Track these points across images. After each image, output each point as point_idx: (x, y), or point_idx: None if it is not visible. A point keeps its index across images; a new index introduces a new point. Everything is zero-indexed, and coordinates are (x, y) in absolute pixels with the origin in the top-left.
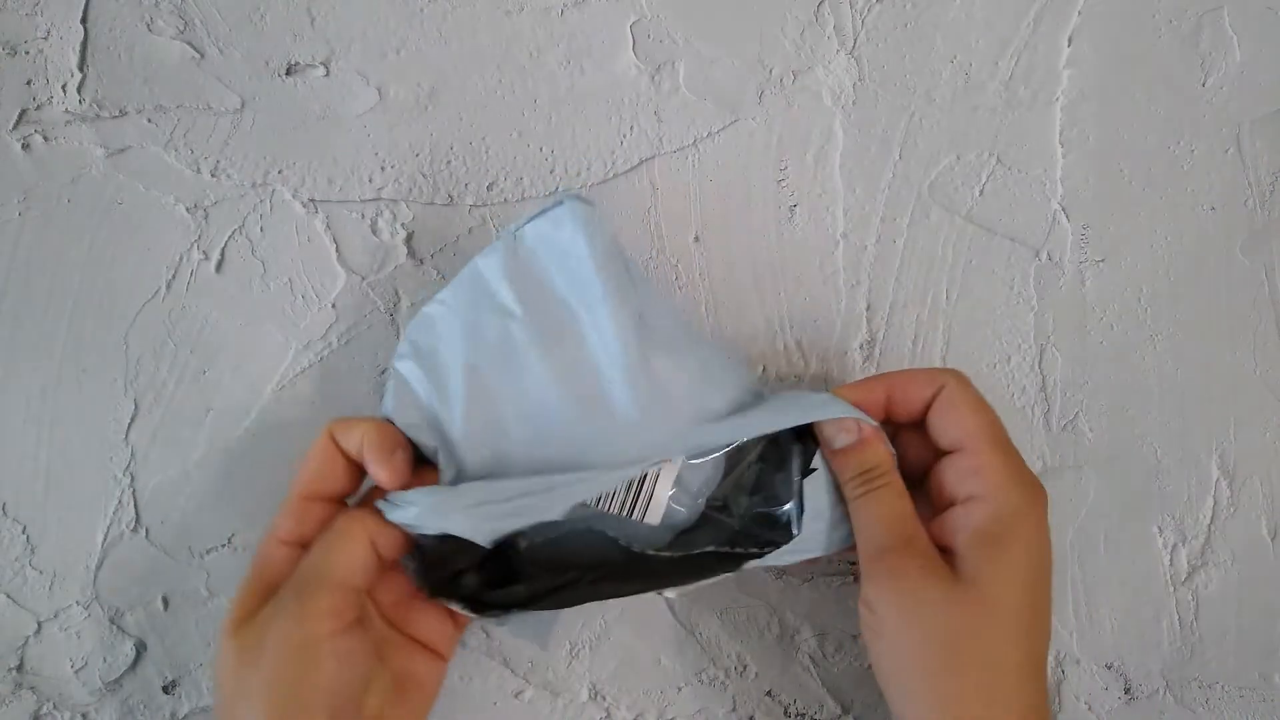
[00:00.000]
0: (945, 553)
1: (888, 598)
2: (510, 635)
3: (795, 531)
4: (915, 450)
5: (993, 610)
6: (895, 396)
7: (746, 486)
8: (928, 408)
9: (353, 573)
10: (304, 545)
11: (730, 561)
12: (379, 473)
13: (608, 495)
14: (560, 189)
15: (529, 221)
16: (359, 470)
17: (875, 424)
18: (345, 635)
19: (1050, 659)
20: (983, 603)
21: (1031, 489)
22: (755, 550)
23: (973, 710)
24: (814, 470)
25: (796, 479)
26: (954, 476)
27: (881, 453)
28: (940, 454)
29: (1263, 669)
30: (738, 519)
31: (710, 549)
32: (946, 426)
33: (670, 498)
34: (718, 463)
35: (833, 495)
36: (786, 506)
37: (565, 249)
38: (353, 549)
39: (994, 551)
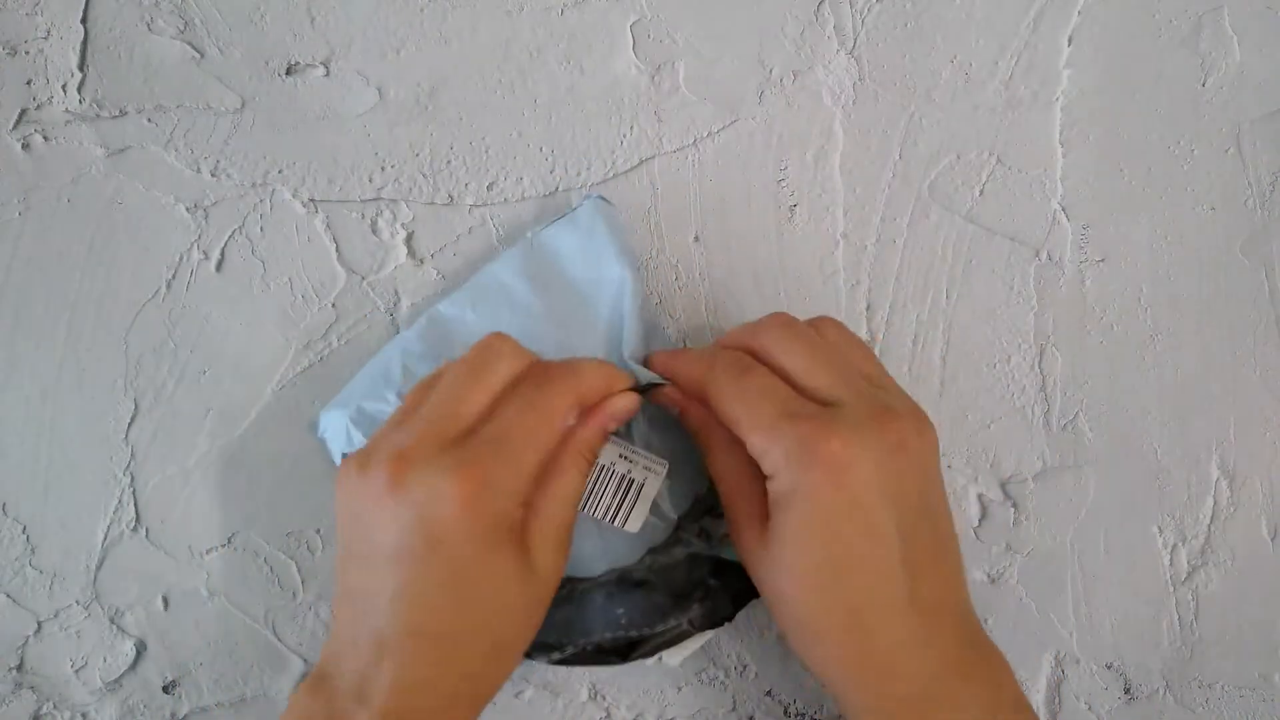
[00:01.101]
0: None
1: (739, 553)
2: None
3: None
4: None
5: (784, 568)
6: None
7: (717, 507)
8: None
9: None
10: None
11: (698, 568)
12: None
13: (595, 495)
14: (561, 189)
15: (547, 227)
16: None
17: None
18: None
19: (1050, 659)
20: (778, 561)
21: (798, 464)
22: (725, 558)
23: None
24: None
25: None
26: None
27: (696, 413)
28: None
29: (1263, 669)
30: (708, 541)
31: (681, 557)
32: (721, 417)
33: (650, 509)
34: (693, 483)
35: None
36: None
37: (585, 239)
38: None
39: (783, 516)
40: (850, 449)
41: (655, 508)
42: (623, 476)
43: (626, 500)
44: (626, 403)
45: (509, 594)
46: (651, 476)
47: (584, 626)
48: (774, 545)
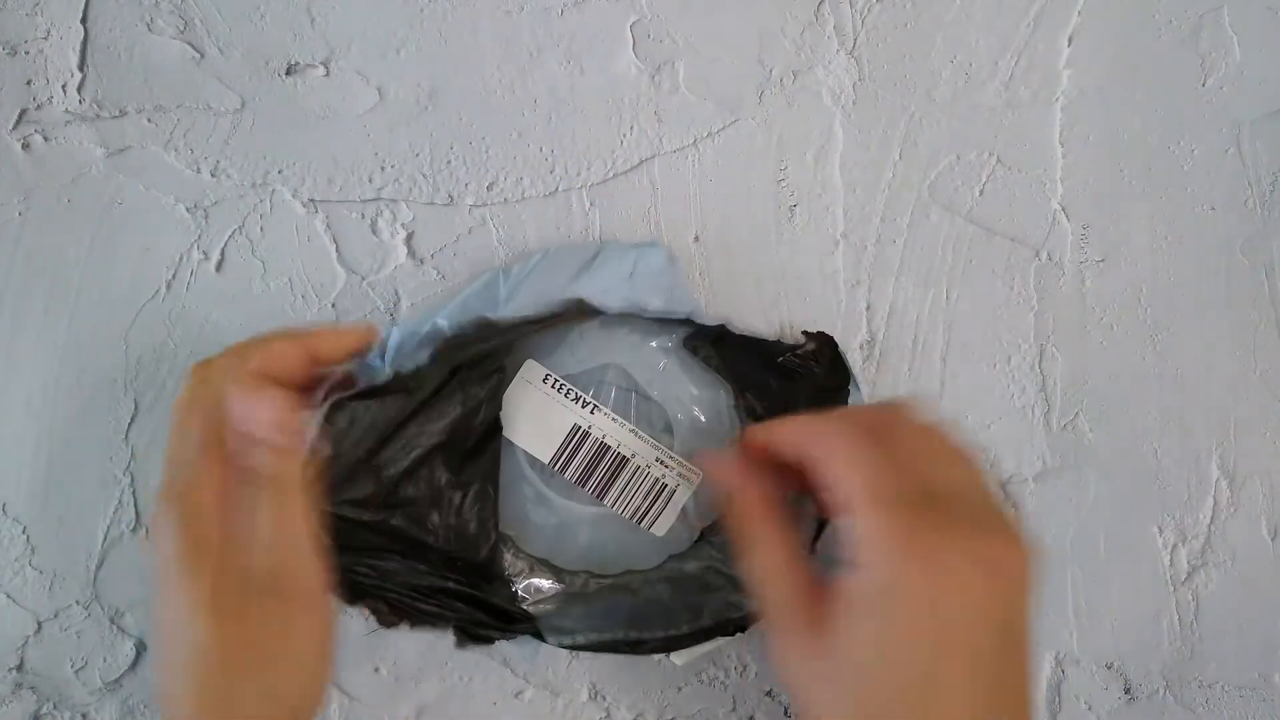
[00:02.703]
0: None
1: (776, 662)
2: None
3: None
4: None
5: (849, 684)
6: (778, 453)
7: None
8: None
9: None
10: None
11: (713, 590)
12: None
13: (626, 495)
14: (561, 189)
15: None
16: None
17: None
18: None
19: (1050, 659)
20: (841, 677)
21: (903, 560)
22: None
23: None
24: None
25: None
26: (843, 531)
27: (750, 496)
28: None
29: (1263, 669)
30: (725, 555)
31: (694, 571)
32: (826, 484)
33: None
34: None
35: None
36: None
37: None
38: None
39: (865, 622)
40: (969, 559)
41: (683, 515)
42: (656, 480)
43: (656, 504)
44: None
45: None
46: (684, 484)
47: (594, 623)
48: (839, 657)
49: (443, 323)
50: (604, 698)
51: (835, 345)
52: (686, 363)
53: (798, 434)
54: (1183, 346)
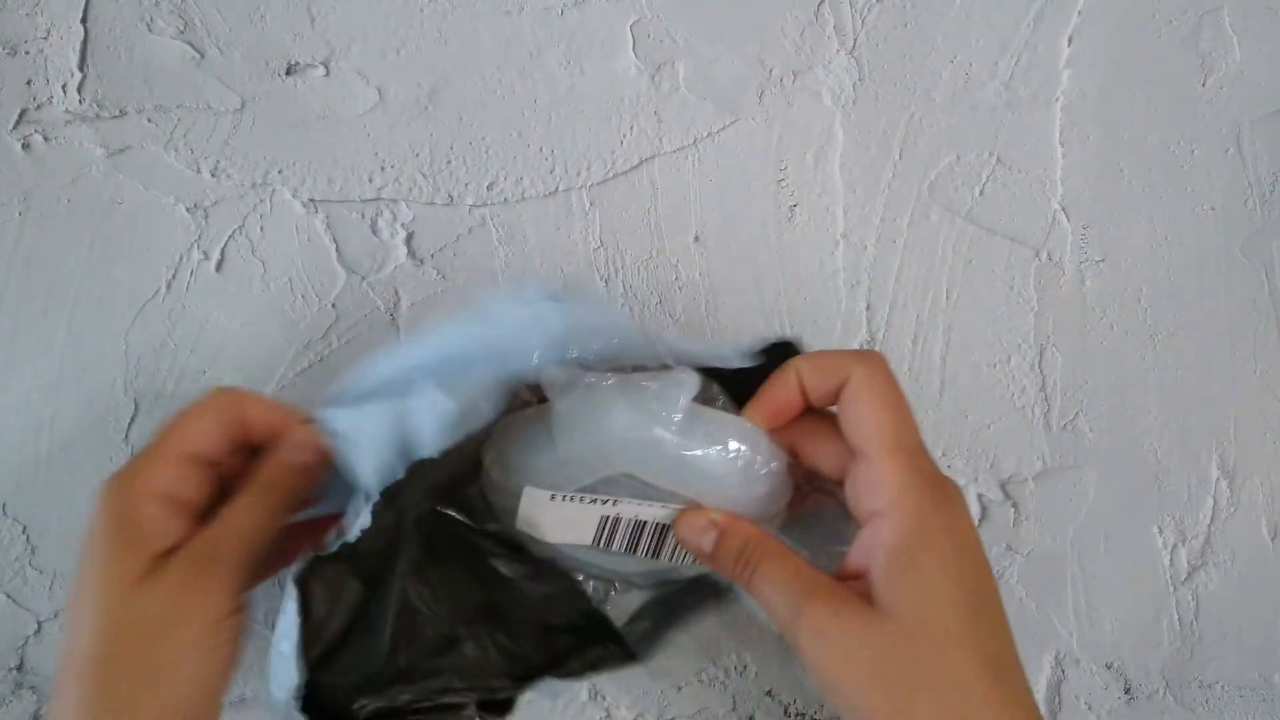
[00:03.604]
0: (864, 578)
1: (817, 658)
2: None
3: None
4: (834, 447)
5: (919, 634)
6: (807, 386)
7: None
8: (837, 393)
9: None
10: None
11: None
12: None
13: (680, 552)
14: (561, 189)
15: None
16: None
17: (721, 513)
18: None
19: (1050, 659)
20: (906, 630)
21: (936, 491)
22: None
23: None
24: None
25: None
26: (861, 487)
27: (743, 530)
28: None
29: (1263, 669)
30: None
31: (681, 585)
32: (850, 427)
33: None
34: None
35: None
36: None
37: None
38: None
39: (906, 573)
40: (956, 494)
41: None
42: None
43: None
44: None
45: None
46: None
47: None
48: (889, 612)
49: (370, 480)
50: (604, 698)
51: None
52: (703, 428)
53: (819, 368)
54: (1183, 346)
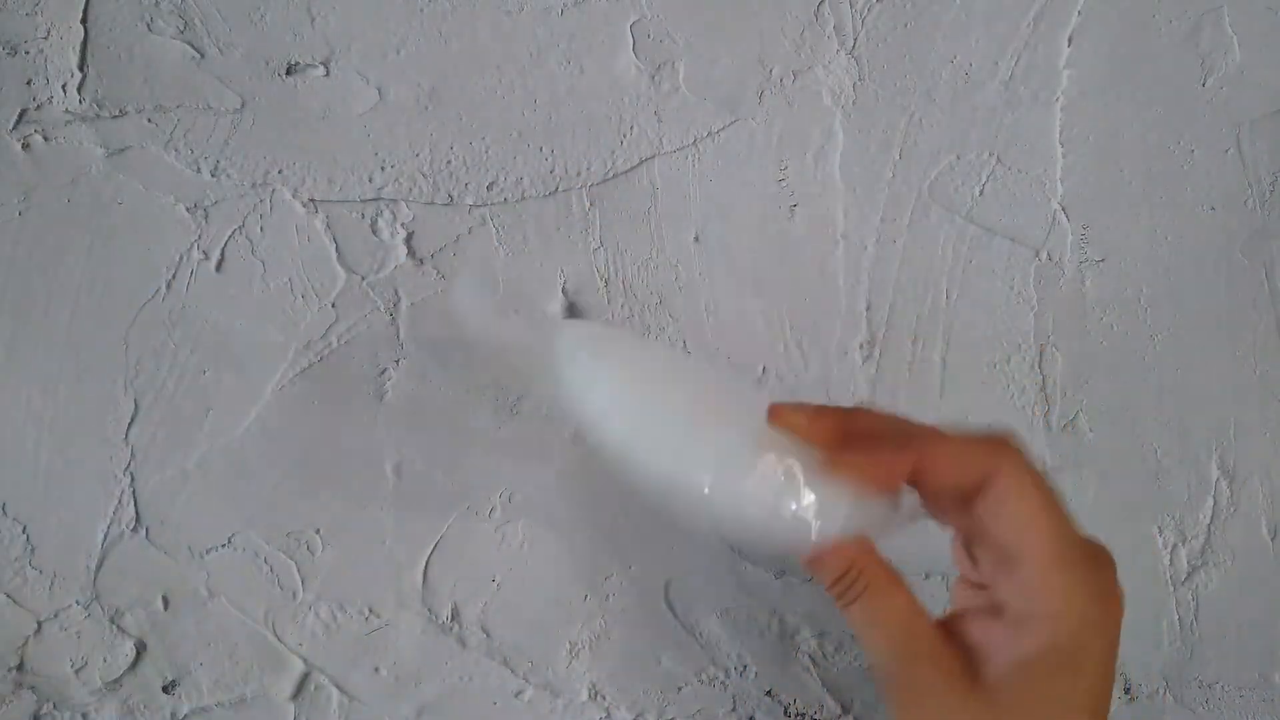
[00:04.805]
0: (968, 630)
1: (904, 718)
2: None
3: None
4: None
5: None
6: (927, 470)
7: None
8: (974, 489)
9: None
10: None
11: None
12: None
13: None
14: (561, 189)
15: None
16: None
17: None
18: None
19: None
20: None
21: (1104, 608)
22: None
23: None
24: None
25: None
26: (1007, 582)
27: (847, 553)
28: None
29: (1263, 669)
30: None
31: None
32: (1002, 527)
33: None
34: None
35: None
36: None
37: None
38: None
39: (1045, 685)
40: (1115, 599)
41: None
42: None
43: None
44: None
45: None
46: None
47: None
48: (1015, 701)
49: None
50: (604, 698)
51: None
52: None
53: (953, 457)
54: (1183, 346)
